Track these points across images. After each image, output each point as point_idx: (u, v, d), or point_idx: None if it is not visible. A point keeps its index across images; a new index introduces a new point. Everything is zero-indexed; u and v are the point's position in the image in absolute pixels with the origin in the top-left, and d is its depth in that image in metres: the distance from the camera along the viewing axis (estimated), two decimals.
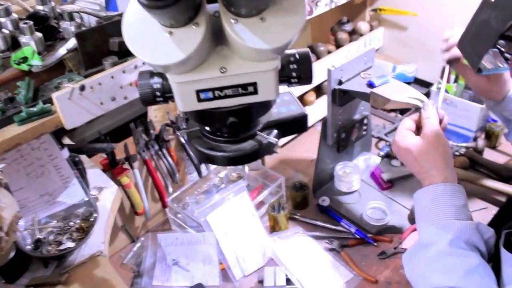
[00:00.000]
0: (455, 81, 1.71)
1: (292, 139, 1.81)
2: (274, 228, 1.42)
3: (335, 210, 1.49)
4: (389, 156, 1.68)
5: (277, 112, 0.88)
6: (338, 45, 1.83)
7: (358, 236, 1.39)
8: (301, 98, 1.79)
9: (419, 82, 1.93)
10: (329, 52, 1.77)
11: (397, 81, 1.31)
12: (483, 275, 0.85)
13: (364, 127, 1.54)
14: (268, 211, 1.41)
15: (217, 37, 0.69)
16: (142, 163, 1.35)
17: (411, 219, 1.41)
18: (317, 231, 1.43)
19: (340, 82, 1.33)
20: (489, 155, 1.65)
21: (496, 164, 1.57)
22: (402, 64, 1.88)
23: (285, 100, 0.91)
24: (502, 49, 0.91)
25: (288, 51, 0.75)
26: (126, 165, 1.30)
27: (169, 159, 1.39)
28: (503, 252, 0.86)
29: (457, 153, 1.64)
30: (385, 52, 2.06)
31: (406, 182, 1.57)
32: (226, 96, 0.72)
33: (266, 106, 0.78)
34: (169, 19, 0.61)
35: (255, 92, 0.73)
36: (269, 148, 0.84)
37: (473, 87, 1.20)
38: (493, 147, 1.69)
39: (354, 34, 1.88)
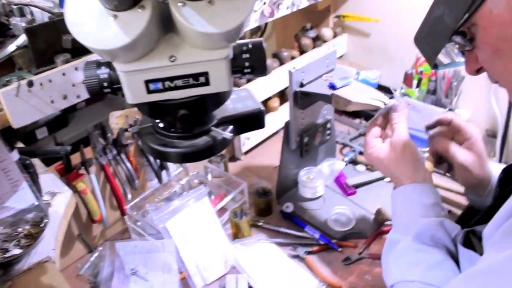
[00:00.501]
0: (418, 86, 1.72)
1: (256, 146, 1.79)
2: (236, 235, 1.39)
3: (299, 216, 1.46)
4: (353, 162, 1.67)
5: (233, 107, 0.85)
6: (302, 51, 1.82)
7: (322, 242, 1.36)
8: (265, 104, 1.77)
9: (382, 88, 1.92)
10: (292, 57, 1.76)
11: (359, 83, 1.31)
12: (447, 270, 0.87)
13: (328, 132, 1.53)
14: (230, 217, 1.37)
15: (166, 25, 0.66)
16: (99, 169, 1.30)
17: (377, 222, 1.40)
18: (281, 238, 1.39)
19: (302, 85, 1.31)
20: None
21: None
22: (366, 70, 1.88)
23: (242, 96, 0.88)
24: (457, 46, 0.90)
25: (240, 41, 0.72)
26: (82, 170, 1.26)
27: (128, 164, 1.34)
28: (460, 248, 0.87)
29: None
30: (349, 58, 2.06)
31: (371, 187, 1.56)
32: (176, 87, 0.70)
33: (219, 98, 0.75)
34: (113, 2, 0.59)
35: (207, 83, 0.70)
36: (224, 144, 0.82)
37: (459, 178, 1.17)
38: None
39: (317, 40, 1.88)
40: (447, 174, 1.21)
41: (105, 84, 0.71)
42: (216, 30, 0.60)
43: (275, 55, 1.74)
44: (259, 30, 2.30)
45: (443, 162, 1.19)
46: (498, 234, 0.69)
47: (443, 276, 0.85)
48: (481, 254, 0.79)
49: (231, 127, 0.83)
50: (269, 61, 1.65)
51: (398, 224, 1.01)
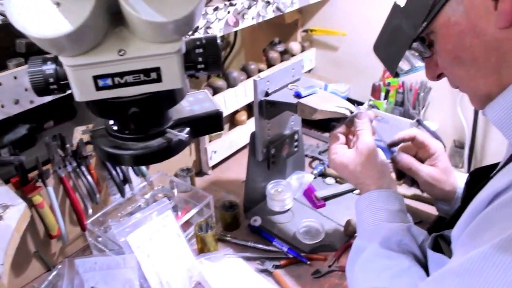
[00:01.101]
0: (385, 98, 1.71)
1: (224, 160, 1.76)
2: (202, 250, 1.34)
3: (267, 230, 1.42)
4: (323, 175, 1.65)
5: (190, 109, 0.83)
6: (270, 65, 1.81)
7: (291, 256, 1.32)
8: (232, 117, 1.75)
9: (351, 102, 1.91)
10: (260, 70, 1.74)
11: (325, 91, 1.29)
12: (414, 277, 0.84)
13: (295, 143, 1.50)
14: (195, 231, 1.33)
15: (115, 17, 0.63)
16: (58, 181, 1.25)
17: (347, 234, 1.37)
18: (248, 252, 1.35)
19: (267, 94, 1.29)
20: None
21: None
22: (334, 83, 1.87)
23: (199, 99, 0.86)
24: (417, 53, 0.90)
25: (194, 36, 0.70)
26: (39, 183, 1.20)
27: (89, 177, 1.29)
28: (429, 252, 0.85)
29: None
30: (318, 72, 2.06)
31: (340, 199, 1.53)
32: (127, 84, 0.67)
33: (173, 97, 0.72)
34: None
35: (158, 79, 0.67)
36: (181, 146, 0.79)
37: (425, 191, 1.17)
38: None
39: (285, 54, 1.87)
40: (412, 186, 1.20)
41: (51, 80, 0.67)
42: (164, 19, 0.57)
43: (243, 68, 1.73)
44: (228, 45, 2.30)
45: (405, 177, 1.18)
46: (465, 234, 0.68)
47: (410, 283, 0.83)
48: (450, 257, 0.77)
49: (187, 129, 0.80)
50: (236, 74, 1.63)
51: (363, 231, 0.98)
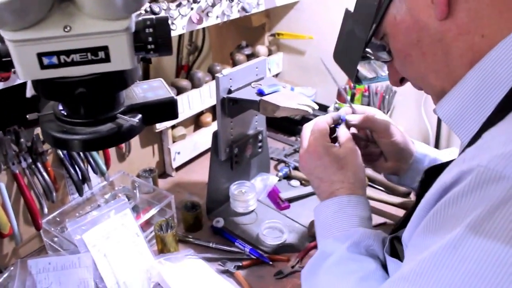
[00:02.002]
0: (351, 101, 1.71)
1: (188, 162, 1.73)
2: (162, 250, 1.31)
3: (230, 231, 1.40)
4: (288, 177, 1.64)
5: (143, 96, 0.80)
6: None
7: (253, 256, 1.30)
8: (197, 119, 1.73)
9: (318, 106, 1.92)
10: None
11: (288, 90, 1.28)
12: (380, 281, 0.81)
13: (260, 144, 1.49)
14: (154, 231, 1.29)
15: None
16: (11, 178, 1.21)
17: (311, 236, 1.35)
18: (210, 253, 1.32)
19: (230, 91, 1.27)
20: None
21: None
22: (301, 87, 1.87)
23: (154, 86, 0.83)
24: (371, 57, 0.90)
25: (145, 16, 0.68)
26: None
27: (45, 175, 1.25)
28: (387, 257, 0.83)
29: None
30: (285, 77, 2.06)
31: (304, 201, 1.52)
32: (74, 63, 0.64)
33: (123, 79, 0.69)
34: None
35: (107, 59, 0.65)
36: (132, 133, 0.76)
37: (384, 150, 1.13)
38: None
39: (252, 57, 1.86)
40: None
41: None
42: None
43: (209, 70, 1.71)
44: (196, 50, 2.28)
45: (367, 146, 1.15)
46: (416, 235, 0.64)
47: (374, 286, 0.79)
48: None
49: (139, 115, 0.77)
50: (201, 74, 1.62)
51: (330, 236, 0.92)
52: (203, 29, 2.19)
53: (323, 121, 1.04)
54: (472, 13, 0.65)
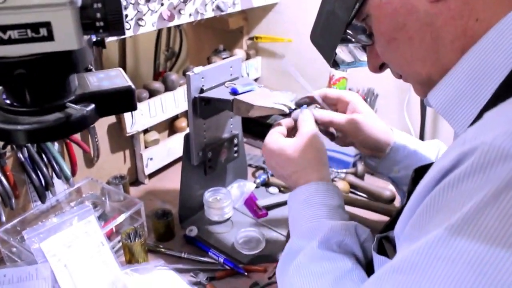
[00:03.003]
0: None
1: (162, 169, 1.65)
2: (130, 261, 1.22)
3: (204, 240, 1.32)
4: (266, 184, 1.56)
5: (98, 85, 0.73)
6: None
7: (227, 267, 1.22)
8: (172, 124, 1.65)
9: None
10: None
11: (264, 89, 1.22)
12: (356, 281, 0.76)
13: (235, 148, 1.41)
14: (121, 240, 1.21)
15: None
16: None
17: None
18: (182, 264, 1.24)
19: (202, 91, 1.20)
20: (370, 180, 1.58)
21: (376, 188, 1.49)
22: (280, 91, 1.80)
23: (111, 75, 0.76)
24: (352, 40, 0.85)
25: None
26: None
27: (3, 180, 1.16)
28: (374, 255, 0.75)
29: (336, 179, 1.56)
30: (264, 82, 1.99)
31: (283, 209, 1.45)
32: (11, 41, 0.57)
33: (70, 61, 0.62)
34: None
35: (50, 37, 0.57)
36: (82, 123, 0.69)
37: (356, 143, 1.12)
38: (373, 174, 1.63)
39: None
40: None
41: None
42: None
43: (184, 73, 1.64)
44: (173, 55, 2.22)
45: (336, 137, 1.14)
46: (409, 225, 0.58)
47: (351, 287, 0.75)
48: None
49: (92, 105, 0.70)
50: (175, 76, 1.54)
51: (299, 230, 0.88)
52: (180, 33, 2.14)
53: (279, 121, 1.06)
54: None
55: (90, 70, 0.78)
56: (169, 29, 2.15)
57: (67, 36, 0.58)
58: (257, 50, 1.94)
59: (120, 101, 0.73)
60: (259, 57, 1.95)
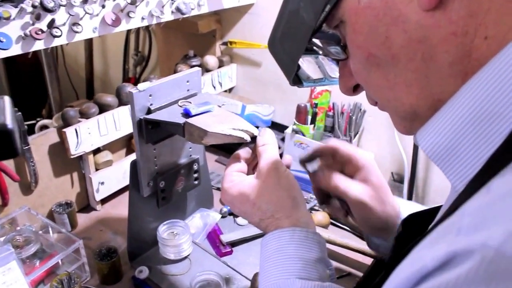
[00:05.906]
0: (312, 122, 1.45)
1: (116, 194, 1.43)
2: None
3: (155, 284, 1.12)
4: (234, 214, 1.36)
5: None
6: None
7: None
8: (129, 142, 1.45)
9: (277, 126, 1.65)
10: None
11: (224, 110, 1.01)
12: None
13: (195, 175, 1.21)
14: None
15: None
16: None
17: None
18: None
19: (149, 111, 1.00)
20: None
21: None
22: (256, 104, 1.60)
23: None
24: (318, 50, 0.65)
25: None
26: None
27: None
28: None
29: (316, 208, 1.36)
30: (239, 92, 1.79)
31: (251, 245, 1.26)
32: None
33: None
34: None
35: None
36: None
37: (358, 219, 0.87)
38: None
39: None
40: (346, 217, 0.91)
41: None
42: None
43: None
44: (143, 61, 2.02)
45: (330, 202, 0.89)
46: None
47: None
48: None
49: None
50: (130, 88, 1.34)
51: (267, 285, 0.69)
52: (149, 36, 1.94)
53: (236, 153, 0.86)
54: (473, 4, 0.43)
55: None
56: (138, 30, 1.95)
57: None
58: (231, 56, 1.73)
59: None
60: (234, 64, 1.74)
